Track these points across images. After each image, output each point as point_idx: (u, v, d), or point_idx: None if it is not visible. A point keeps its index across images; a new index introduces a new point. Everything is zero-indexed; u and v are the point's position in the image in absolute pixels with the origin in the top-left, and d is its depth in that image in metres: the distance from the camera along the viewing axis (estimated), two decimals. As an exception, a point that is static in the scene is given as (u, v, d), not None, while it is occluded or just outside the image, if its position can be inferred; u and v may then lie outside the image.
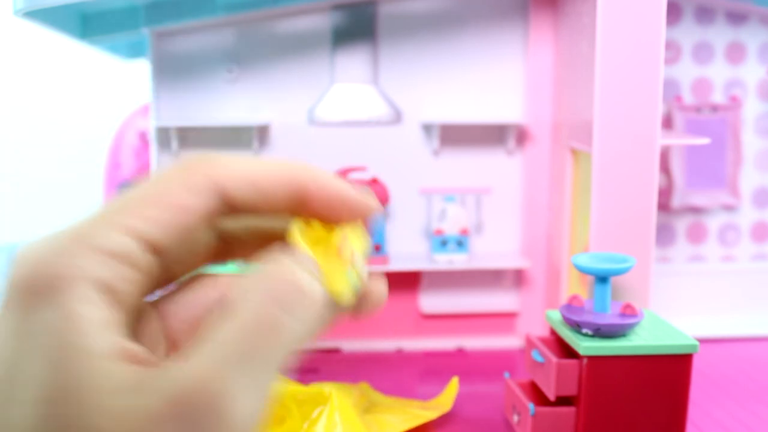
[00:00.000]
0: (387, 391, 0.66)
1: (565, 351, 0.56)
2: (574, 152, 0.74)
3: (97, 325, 0.21)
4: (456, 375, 0.66)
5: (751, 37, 0.84)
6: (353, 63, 0.80)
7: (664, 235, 0.86)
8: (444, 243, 0.79)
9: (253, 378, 0.21)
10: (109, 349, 0.21)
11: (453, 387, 0.65)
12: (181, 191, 0.25)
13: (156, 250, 0.24)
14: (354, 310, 0.28)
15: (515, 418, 0.58)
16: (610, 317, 0.54)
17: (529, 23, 0.79)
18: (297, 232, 0.27)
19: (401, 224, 0.82)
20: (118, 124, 0.99)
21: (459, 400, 0.64)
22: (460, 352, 0.81)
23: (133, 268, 0.23)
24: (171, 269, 0.27)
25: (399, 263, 0.79)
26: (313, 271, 0.25)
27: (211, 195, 0.25)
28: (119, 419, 0.20)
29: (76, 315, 0.21)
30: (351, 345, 0.81)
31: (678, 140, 0.73)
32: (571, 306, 0.57)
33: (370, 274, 0.29)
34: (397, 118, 0.81)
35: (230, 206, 0.26)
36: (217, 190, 0.25)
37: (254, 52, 0.79)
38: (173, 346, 0.27)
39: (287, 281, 0.24)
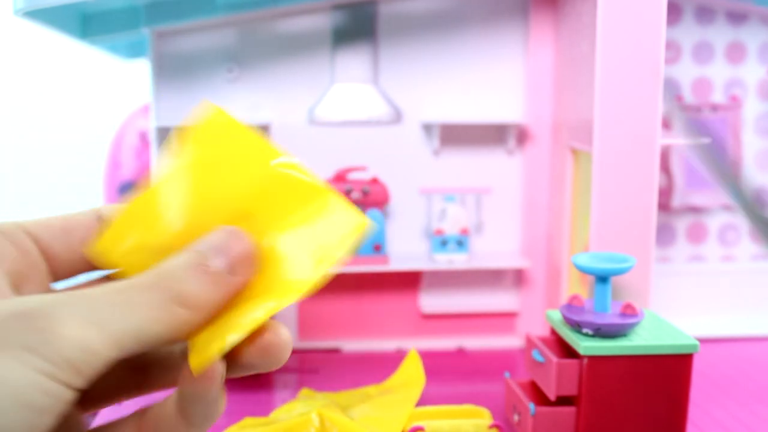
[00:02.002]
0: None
1: (566, 351, 0.56)
2: (574, 152, 0.74)
3: None
4: (454, 372, 0.66)
5: (751, 37, 0.84)
6: (353, 63, 0.80)
7: (664, 235, 0.86)
8: (444, 243, 0.79)
9: (88, 317, 0.25)
10: None
11: (413, 359, 0.67)
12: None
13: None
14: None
15: (515, 418, 0.58)
16: (610, 317, 0.54)
17: (529, 23, 0.79)
18: None
19: (401, 224, 0.82)
20: (118, 124, 0.99)
21: (459, 400, 0.64)
22: (460, 352, 0.81)
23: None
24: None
25: (399, 263, 0.79)
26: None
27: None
28: None
29: None
30: (351, 345, 0.81)
31: (678, 140, 0.73)
32: (571, 306, 0.57)
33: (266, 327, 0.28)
34: (397, 118, 0.81)
35: None
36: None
37: (254, 52, 0.79)
38: None
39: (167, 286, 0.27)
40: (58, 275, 0.30)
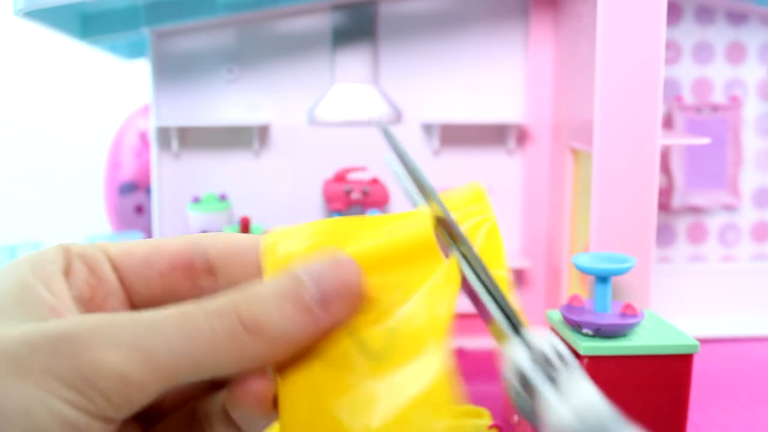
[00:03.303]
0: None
1: (566, 351, 0.56)
2: (575, 152, 0.74)
3: None
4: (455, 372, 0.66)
5: (751, 37, 0.84)
6: (353, 63, 0.80)
7: (665, 235, 0.86)
8: (444, 243, 0.79)
9: (133, 342, 0.22)
10: None
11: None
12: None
13: None
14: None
15: (515, 418, 0.58)
16: (610, 317, 0.54)
17: (529, 23, 0.79)
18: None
19: (401, 224, 0.82)
20: (118, 124, 0.99)
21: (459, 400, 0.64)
22: (460, 352, 0.81)
23: None
24: None
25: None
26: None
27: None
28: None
29: None
30: (351, 345, 0.81)
31: (678, 140, 0.73)
32: (571, 306, 0.57)
33: None
34: (397, 118, 0.81)
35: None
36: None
37: (254, 52, 0.79)
38: None
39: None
40: (135, 305, 0.27)
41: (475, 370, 0.75)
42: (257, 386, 0.23)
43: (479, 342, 0.82)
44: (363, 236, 0.25)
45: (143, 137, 0.96)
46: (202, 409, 0.27)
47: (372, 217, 0.26)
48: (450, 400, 0.24)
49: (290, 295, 0.23)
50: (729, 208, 0.86)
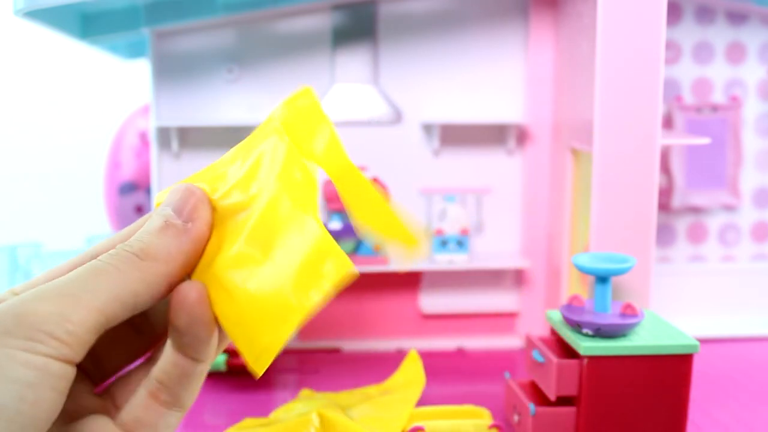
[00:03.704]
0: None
1: (566, 351, 0.56)
2: (575, 152, 0.74)
3: None
4: (454, 373, 0.66)
5: (751, 37, 0.84)
6: (353, 63, 0.80)
7: (665, 235, 0.86)
8: (444, 243, 0.79)
9: (61, 292, 0.27)
10: None
11: (413, 359, 0.67)
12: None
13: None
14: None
15: (515, 418, 0.58)
16: (610, 317, 0.54)
17: (529, 23, 0.79)
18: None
19: (401, 224, 0.82)
20: (118, 124, 0.99)
21: (459, 400, 0.64)
22: (460, 352, 0.81)
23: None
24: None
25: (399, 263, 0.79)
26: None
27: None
28: None
29: None
30: (351, 345, 0.81)
31: (678, 140, 0.73)
32: (571, 306, 0.57)
33: None
34: (397, 118, 0.81)
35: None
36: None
37: (254, 52, 0.79)
38: None
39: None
40: None
41: (475, 370, 0.75)
42: (191, 288, 0.29)
43: (479, 342, 0.82)
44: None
45: (143, 137, 0.96)
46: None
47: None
48: (331, 255, 0.29)
49: (160, 223, 0.29)
50: (729, 208, 0.86)
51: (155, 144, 0.78)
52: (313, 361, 0.77)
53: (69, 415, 0.28)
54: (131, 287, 0.27)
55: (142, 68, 1.00)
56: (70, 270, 0.30)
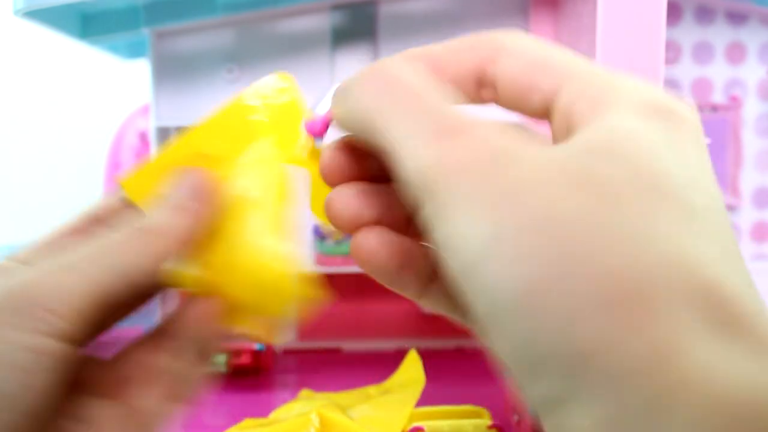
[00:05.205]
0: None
1: (566, 351, 0.56)
2: (574, 152, 0.74)
3: None
4: (454, 372, 0.66)
5: (751, 37, 0.84)
6: (353, 63, 0.80)
7: (664, 235, 0.85)
8: (444, 243, 0.79)
9: (62, 266, 0.26)
10: None
11: (413, 359, 0.67)
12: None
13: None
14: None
15: (515, 418, 0.58)
16: (610, 317, 0.54)
17: (529, 23, 0.79)
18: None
19: (401, 224, 0.82)
20: (118, 124, 0.99)
21: (459, 400, 0.64)
22: (460, 352, 0.81)
23: None
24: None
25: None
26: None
27: None
28: None
29: None
30: (351, 345, 0.81)
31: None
32: (571, 306, 0.57)
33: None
34: (397, 118, 0.81)
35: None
36: None
37: (254, 52, 0.79)
38: None
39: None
40: None
41: (475, 370, 0.75)
42: (205, 303, 0.30)
43: (479, 342, 0.82)
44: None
45: (143, 137, 0.96)
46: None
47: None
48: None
49: (169, 205, 0.29)
50: (729, 208, 0.86)
51: (155, 144, 0.78)
52: (313, 361, 0.77)
53: (73, 397, 0.27)
54: (135, 261, 0.27)
55: (142, 68, 1.00)
56: (68, 236, 0.31)
